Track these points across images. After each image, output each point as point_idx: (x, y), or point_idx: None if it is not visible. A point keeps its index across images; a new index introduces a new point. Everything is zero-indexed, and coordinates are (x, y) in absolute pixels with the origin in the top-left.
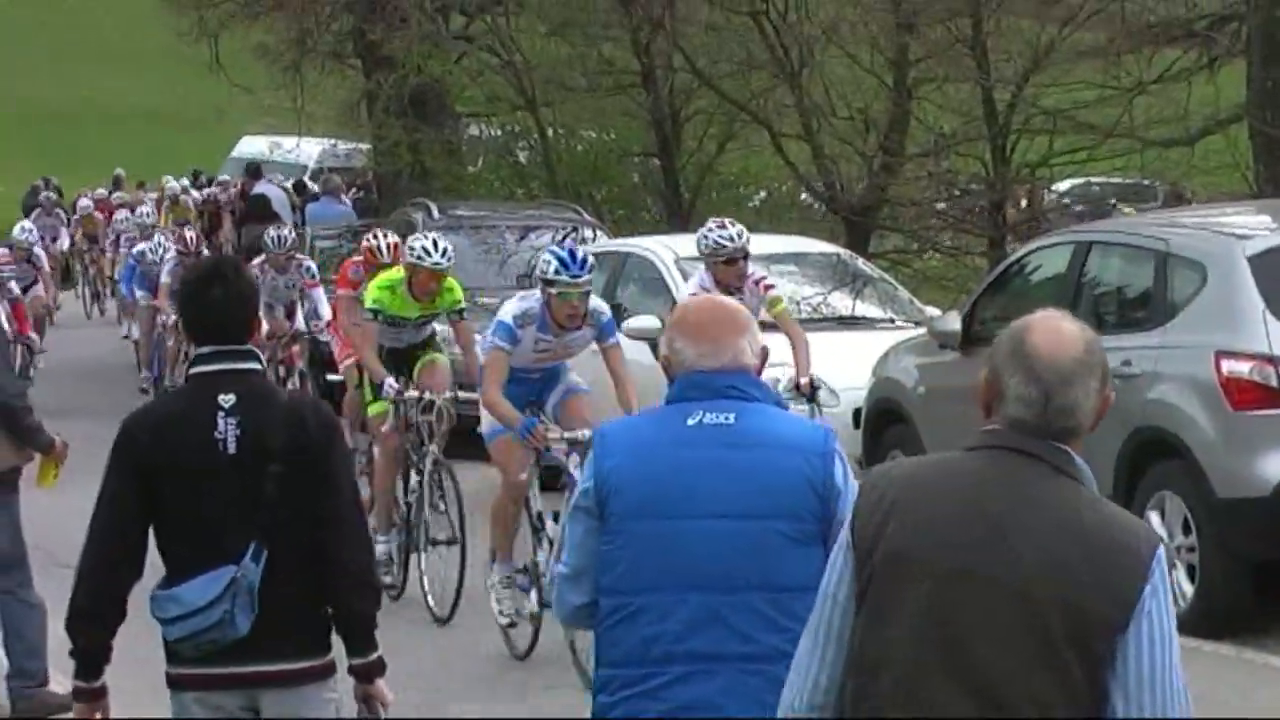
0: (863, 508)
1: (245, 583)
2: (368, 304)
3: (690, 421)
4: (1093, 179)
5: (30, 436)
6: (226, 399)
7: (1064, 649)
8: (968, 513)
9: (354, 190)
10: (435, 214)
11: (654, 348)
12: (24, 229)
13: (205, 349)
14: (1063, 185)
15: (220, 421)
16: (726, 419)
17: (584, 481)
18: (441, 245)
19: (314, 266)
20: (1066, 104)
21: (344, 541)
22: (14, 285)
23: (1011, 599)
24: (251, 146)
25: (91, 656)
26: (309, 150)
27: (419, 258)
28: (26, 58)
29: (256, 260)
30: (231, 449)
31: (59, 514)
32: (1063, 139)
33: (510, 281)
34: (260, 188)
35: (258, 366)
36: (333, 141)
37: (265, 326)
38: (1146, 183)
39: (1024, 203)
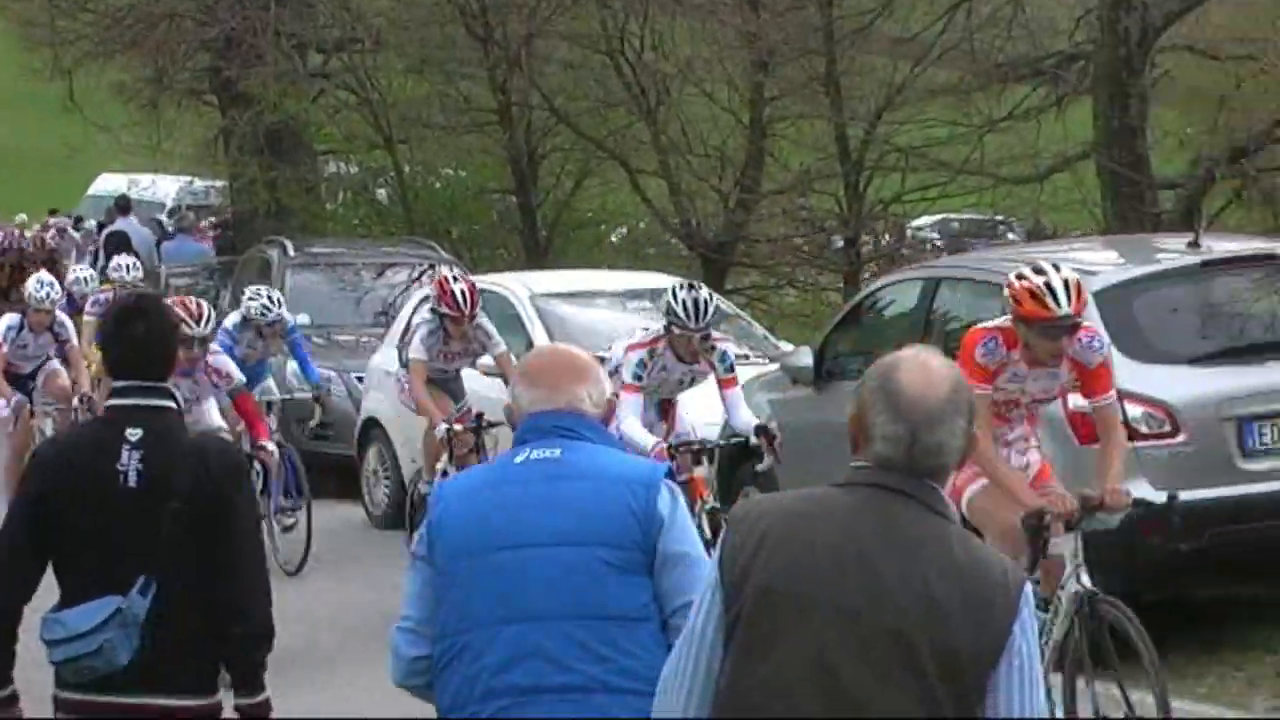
0: (732, 542)
1: (130, 614)
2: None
3: (517, 459)
4: (950, 215)
5: None
6: (134, 433)
7: (937, 685)
8: (842, 549)
9: (213, 228)
10: (291, 251)
11: (508, 384)
12: None
13: (121, 383)
14: (920, 221)
15: (125, 454)
16: (552, 453)
17: (419, 533)
18: None
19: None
20: (919, 141)
21: (242, 587)
22: None
23: (886, 635)
24: (109, 184)
25: None
26: (166, 188)
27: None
28: None
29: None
30: (132, 482)
31: None
32: (916, 176)
33: (367, 319)
34: (121, 224)
35: (170, 405)
36: (190, 179)
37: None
38: (1002, 219)
39: (885, 238)
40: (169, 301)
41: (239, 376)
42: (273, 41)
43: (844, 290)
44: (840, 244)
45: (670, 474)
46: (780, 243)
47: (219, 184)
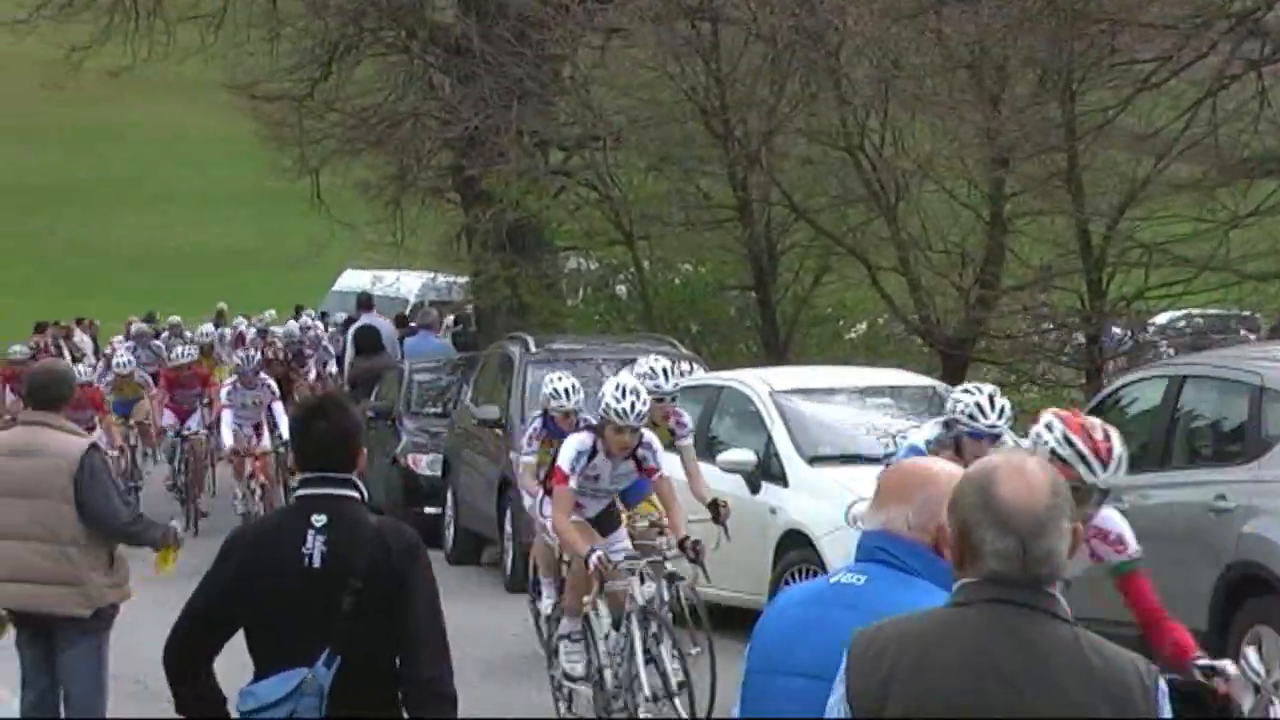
0: (858, 669)
1: (315, 684)
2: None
3: (831, 580)
4: (1193, 311)
5: (146, 541)
6: (319, 519)
7: None
8: (978, 669)
9: (454, 324)
10: (532, 347)
11: (748, 480)
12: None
13: (308, 474)
14: (1162, 318)
15: (310, 538)
16: (857, 580)
17: None
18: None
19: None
20: (1162, 237)
21: (418, 655)
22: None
23: None
24: (354, 280)
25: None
26: (409, 284)
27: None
28: (127, 203)
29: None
30: (316, 563)
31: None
32: (1158, 272)
33: None
34: (367, 319)
35: (354, 494)
36: (432, 275)
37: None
38: (1246, 314)
39: (1127, 335)
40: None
41: None
42: (514, 140)
43: (1086, 387)
44: (1081, 340)
45: None
46: (1020, 339)
47: (461, 280)
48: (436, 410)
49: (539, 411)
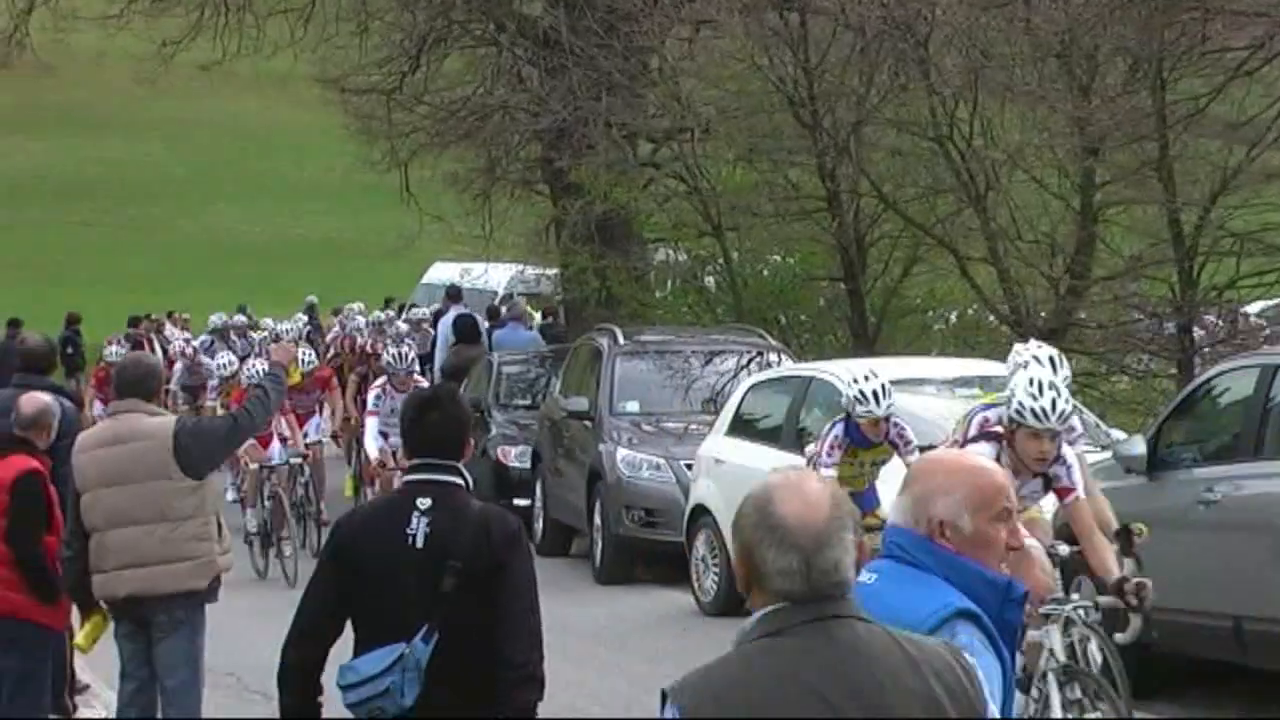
0: None
1: (413, 659)
2: None
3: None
4: None
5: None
6: (424, 502)
7: None
8: (820, 693)
9: (542, 316)
10: (620, 339)
11: None
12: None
13: (417, 461)
14: (1254, 307)
15: (414, 520)
16: (869, 579)
17: None
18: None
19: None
20: (1254, 226)
21: (512, 638)
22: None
23: None
24: (443, 272)
25: (298, 713)
26: (498, 276)
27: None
28: (222, 193)
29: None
30: (419, 544)
31: (253, 637)
32: (1251, 261)
33: (695, 406)
34: (455, 311)
35: (459, 481)
36: (521, 267)
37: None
38: None
39: (1220, 324)
40: None
41: None
42: (603, 131)
43: (1177, 377)
44: (1173, 330)
45: (970, 613)
46: (1111, 329)
47: (550, 272)
48: (525, 402)
49: (840, 417)
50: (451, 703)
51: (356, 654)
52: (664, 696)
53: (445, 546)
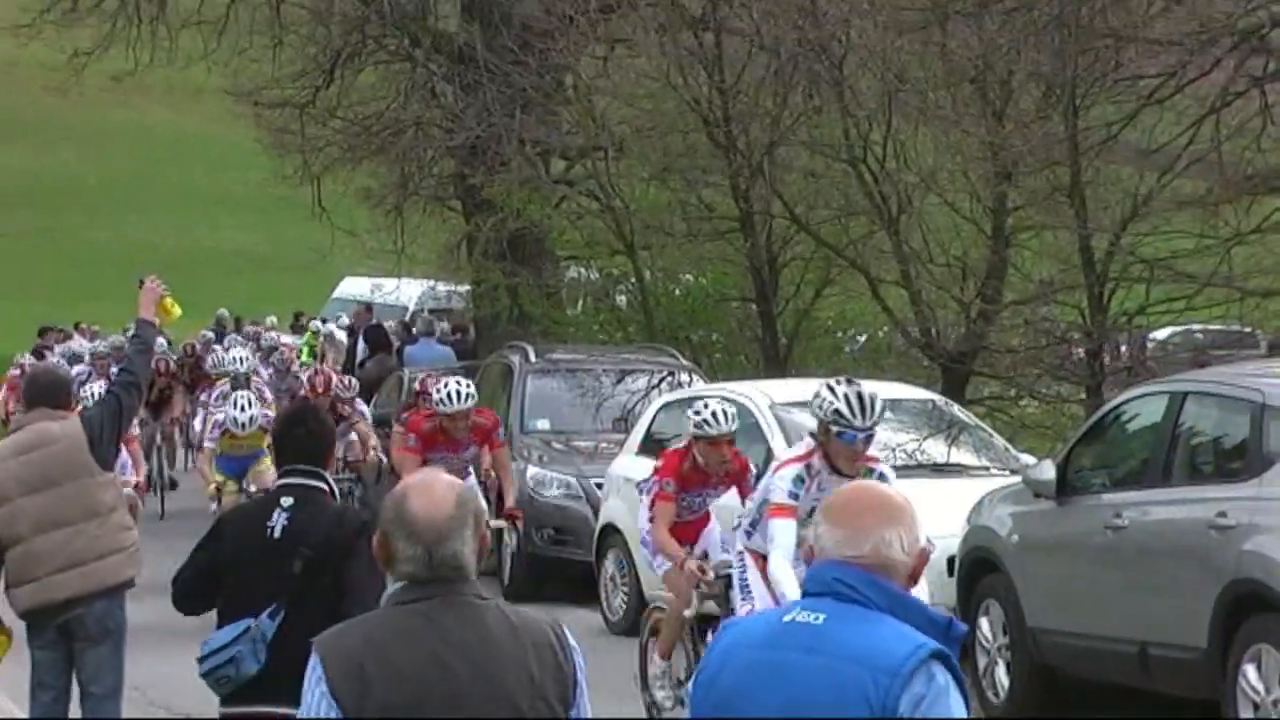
0: (336, 668)
1: (259, 631)
2: None
3: (785, 618)
4: (1195, 327)
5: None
6: (287, 501)
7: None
8: (436, 651)
9: (453, 333)
10: (532, 357)
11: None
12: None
13: (286, 468)
14: (1163, 333)
15: (276, 515)
16: (815, 619)
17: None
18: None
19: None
20: (1164, 253)
21: (354, 603)
22: None
23: (506, 701)
24: (354, 287)
25: None
26: (409, 292)
27: None
28: (134, 204)
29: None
30: (277, 535)
31: (159, 652)
32: (1161, 287)
33: (606, 425)
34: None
35: (322, 486)
36: (432, 283)
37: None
38: (1248, 330)
39: (1127, 351)
40: None
41: None
42: (517, 149)
43: (1086, 402)
44: (1083, 355)
45: (943, 654)
46: (1022, 353)
47: (462, 289)
48: None
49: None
50: (293, 673)
51: (218, 628)
52: (311, 649)
53: (298, 537)
